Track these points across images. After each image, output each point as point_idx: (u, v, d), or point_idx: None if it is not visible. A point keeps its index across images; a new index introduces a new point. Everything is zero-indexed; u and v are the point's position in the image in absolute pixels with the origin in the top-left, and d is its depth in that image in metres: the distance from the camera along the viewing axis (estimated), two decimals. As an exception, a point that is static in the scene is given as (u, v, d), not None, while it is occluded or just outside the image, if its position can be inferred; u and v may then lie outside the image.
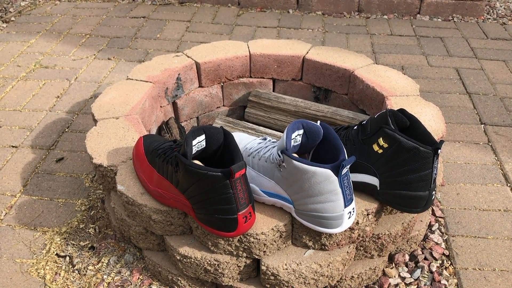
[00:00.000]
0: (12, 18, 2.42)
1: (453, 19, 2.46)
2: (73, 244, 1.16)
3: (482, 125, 1.61)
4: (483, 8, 2.46)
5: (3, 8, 2.54)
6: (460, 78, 1.91)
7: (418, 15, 2.50)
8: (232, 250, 0.93)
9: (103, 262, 1.11)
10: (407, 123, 0.92)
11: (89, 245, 1.15)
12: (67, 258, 1.12)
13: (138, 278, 1.07)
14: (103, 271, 1.09)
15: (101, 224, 1.21)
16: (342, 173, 0.81)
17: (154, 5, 2.61)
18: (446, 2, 2.46)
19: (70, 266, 1.10)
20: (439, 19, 2.46)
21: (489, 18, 2.47)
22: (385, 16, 2.49)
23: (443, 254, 1.14)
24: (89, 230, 1.19)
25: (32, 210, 1.26)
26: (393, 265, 1.10)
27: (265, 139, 0.96)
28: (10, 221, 1.23)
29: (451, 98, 1.77)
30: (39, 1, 2.66)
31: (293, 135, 0.86)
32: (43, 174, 1.38)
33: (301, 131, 0.87)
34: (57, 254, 1.13)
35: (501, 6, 2.61)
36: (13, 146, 1.49)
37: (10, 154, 1.46)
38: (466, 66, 1.99)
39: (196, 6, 2.60)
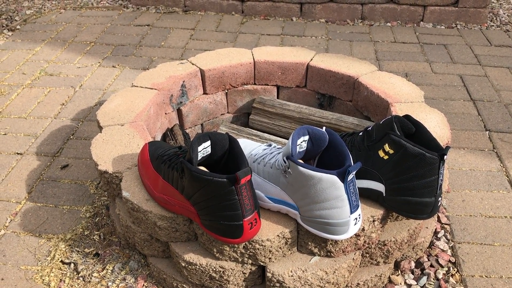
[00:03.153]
0: (18, 27, 2.44)
1: (456, 26, 2.46)
2: (78, 251, 1.15)
3: (487, 132, 1.61)
4: (486, 15, 2.47)
5: (9, 17, 2.56)
6: (464, 85, 1.90)
7: (421, 22, 2.50)
8: (238, 257, 0.93)
9: (107, 269, 1.10)
10: (412, 129, 0.92)
11: (94, 252, 1.15)
12: (72, 265, 1.12)
13: (143, 285, 1.07)
14: (108, 278, 1.08)
15: (106, 231, 1.21)
16: (348, 179, 0.81)
17: (158, 13, 2.62)
18: (449, 10, 2.47)
19: (75, 273, 1.10)
20: (442, 26, 2.46)
21: (493, 25, 2.48)
22: (388, 24, 2.50)
23: (449, 261, 1.13)
24: (94, 237, 1.19)
25: (37, 217, 1.26)
26: (399, 272, 1.10)
27: (270, 145, 0.96)
28: (15, 228, 1.23)
29: (456, 105, 1.77)
30: (44, 10, 2.68)
31: (299, 141, 0.86)
32: (48, 181, 1.38)
33: (306, 137, 0.87)
34: (61, 261, 1.13)
35: (504, 13, 2.62)
36: (18, 153, 1.50)
37: (15, 161, 1.46)
38: (470, 73, 1.99)
39: (200, 14, 2.62)
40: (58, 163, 1.46)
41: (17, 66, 2.04)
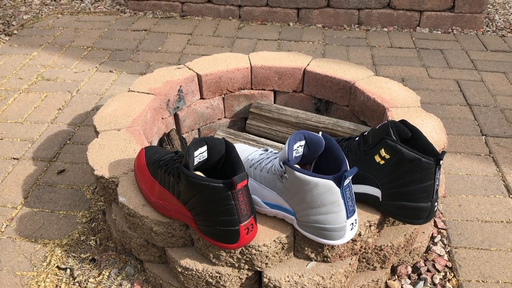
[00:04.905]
0: (15, 31, 2.44)
1: (452, 31, 2.48)
2: (74, 257, 1.15)
3: (483, 137, 1.61)
4: (482, 20, 2.48)
5: (6, 22, 2.56)
6: (460, 89, 1.91)
7: (417, 27, 2.51)
8: (234, 262, 0.92)
9: (104, 275, 1.10)
10: (408, 134, 0.92)
11: (90, 258, 1.15)
12: (68, 270, 1.11)
13: (139, 290, 1.06)
14: (104, 283, 1.08)
15: (102, 236, 1.20)
16: (344, 184, 0.81)
17: (155, 18, 2.63)
18: (445, 15, 2.48)
19: (71, 279, 1.09)
20: (438, 32, 2.48)
21: (488, 31, 2.49)
22: (385, 29, 2.51)
23: (446, 266, 1.13)
24: (90, 242, 1.19)
25: (33, 222, 1.25)
26: (396, 277, 1.10)
27: (266, 150, 0.96)
28: (10, 233, 1.22)
29: (452, 109, 1.77)
30: (42, 15, 2.68)
31: (295, 146, 0.86)
32: (44, 186, 1.38)
33: (303, 142, 0.87)
34: (57, 267, 1.13)
35: (500, 19, 2.63)
36: (14, 158, 1.49)
37: (11, 166, 1.46)
38: (466, 78, 2.00)
39: (198, 19, 2.62)
40: (55, 168, 1.45)
41: (14, 71, 2.04)
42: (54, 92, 1.87)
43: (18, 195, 1.35)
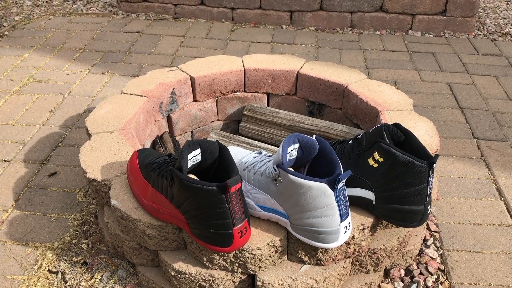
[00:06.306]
0: (6, 33, 2.42)
1: (444, 35, 2.49)
2: (66, 260, 1.14)
3: (475, 140, 1.62)
4: (473, 24, 2.50)
5: (-3, 23, 2.54)
6: (452, 93, 1.92)
7: (410, 31, 2.53)
8: (227, 266, 0.92)
9: (96, 278, 1.09)
10: (402, 138, 0.93)
11: (82, 261, 1.14)
12: (59, 274, 1.10)
13: (132, 294, 1.06)
14: (96, 287, 1.07)
15: (94, 240, 1.19)
16: (338, 187, 0.81)
17: (148, 20, 2.62)
18: (437, 18, 2.49)
19: (62, 282, 1.08)
20: (430, 35, 2.49)
21: (480, 34, 2.51)
22: (378, 32, 2.52)
23: (439, 268, 1.13)
24: (82, 246, 1.18)
25: (24, 225, 1.24)
26: (389, 280, 1.10)
27: (260, 153, 0.96)
28: (1, 236, 1.21)
29: (444, 113, 1.78)
30: (33, 16, 2.67)
31: (289, 149, 0.86)
32: (36, 188, 1.37)
33: (296, 145, 0.87)
34: (49, 270, 1.11)
35: (491, 23, 2.65)
36: (5, 161, 1.48)
37: (2, 169, 1.44)
38: (458, 81, 2.01)
39: (190, 21, 2.62)
40: (46, 171, 1.44)
41: (5, 72, 2.02)
42: (45, 94, 1.86)
43: (9, 198, 1.33)
